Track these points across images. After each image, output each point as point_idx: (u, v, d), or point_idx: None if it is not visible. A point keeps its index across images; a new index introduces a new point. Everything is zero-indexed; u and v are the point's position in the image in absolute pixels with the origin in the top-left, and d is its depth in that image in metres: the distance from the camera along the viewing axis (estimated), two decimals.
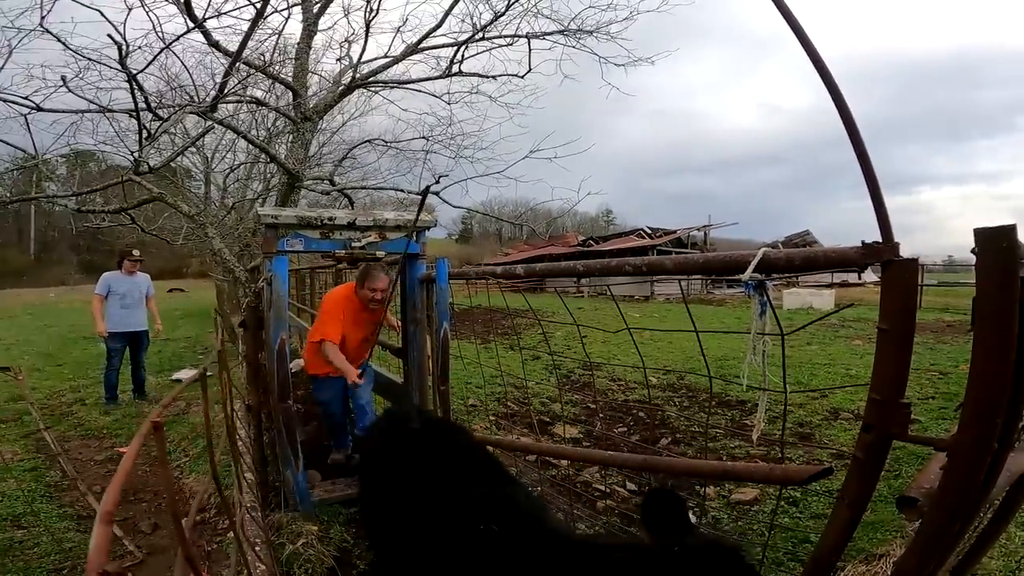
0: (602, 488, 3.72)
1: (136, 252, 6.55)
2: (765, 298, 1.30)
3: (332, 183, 8.51)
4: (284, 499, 3.24)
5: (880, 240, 0.98)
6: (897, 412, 1.00)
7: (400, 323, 3.88)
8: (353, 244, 3.36)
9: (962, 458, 0.91)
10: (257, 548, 2.57)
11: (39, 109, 4.63)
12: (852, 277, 27.06)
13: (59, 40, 4.36)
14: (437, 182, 7.43)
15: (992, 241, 0.82)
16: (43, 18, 4.11)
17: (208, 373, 1.41)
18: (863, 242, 1.02)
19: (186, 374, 7.85)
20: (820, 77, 0.98)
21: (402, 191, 8.09)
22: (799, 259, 1.21)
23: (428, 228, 3.62)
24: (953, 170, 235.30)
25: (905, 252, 0.98)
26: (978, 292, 0.83)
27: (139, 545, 3.16)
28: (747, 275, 1.22)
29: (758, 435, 4.06)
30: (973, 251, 0.83)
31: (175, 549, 2.39)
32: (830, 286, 22.10)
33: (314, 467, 3.72)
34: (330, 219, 3.29)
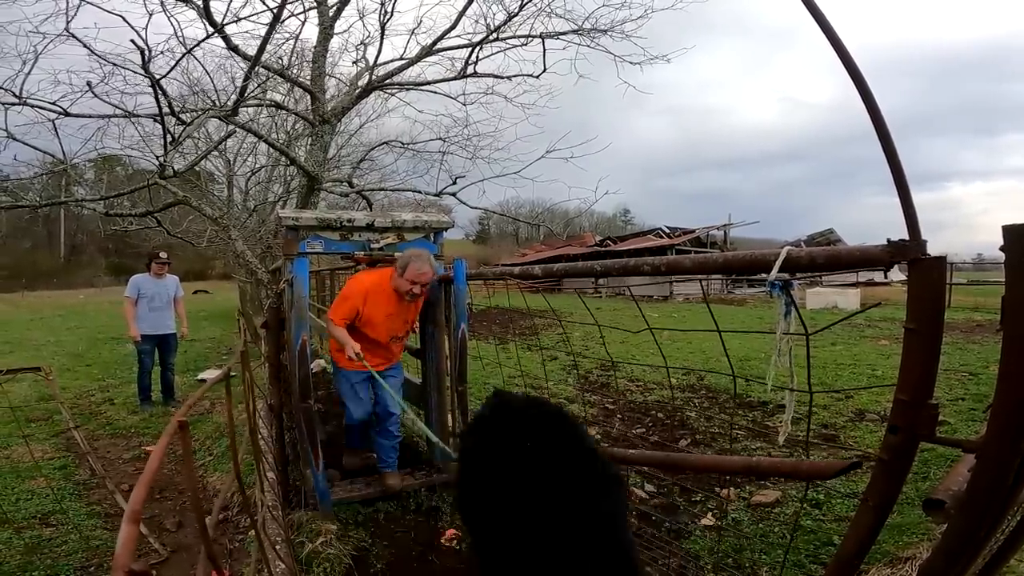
0: None
1: (163, 254, 6.50)
2: (790, 298, 1.28)
3: (351, 185, 8.62)
4: (304, 498, 3.27)
5: (907, 237, 0.96)
6: (924, 413, 0.97)
7: (418, 324, 3.89)
8: (372, 245, 3.39)
9: (990, 460, 0.88)
10: (278, 547, 2.60)
11: (67, 114, 4.76)
12: (878, 276, 26.55)
13: (84, 45, 4.47)
14: (454, 183, 7.50)
15: (1021, 237, 0.79)
16: (68, 23, 4.22)
17: (232, 374, 1.43)
18: (888, 240, 0.99)
19: (210, 374, 7.97)
20: (845, 68, 0.96)
21: (420, 192, 8.15)
22: (822, 258, 1.19)
23: (445, 229, 3.63)
24: (982, 165, 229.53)
25: (934, 250, 0.96)
26: (1007, 290, 0.81)
27: (164, 543, 3.21)
28: (773, 275, 1.19)
29: (784, 437, 3.99)
30: (1002, 248, 0.80)
31: (199, 547, 2.43)
32: (855, 285, 21.68)
33: (334, 467, 3.75)
34: (349, 221, 3.33)
